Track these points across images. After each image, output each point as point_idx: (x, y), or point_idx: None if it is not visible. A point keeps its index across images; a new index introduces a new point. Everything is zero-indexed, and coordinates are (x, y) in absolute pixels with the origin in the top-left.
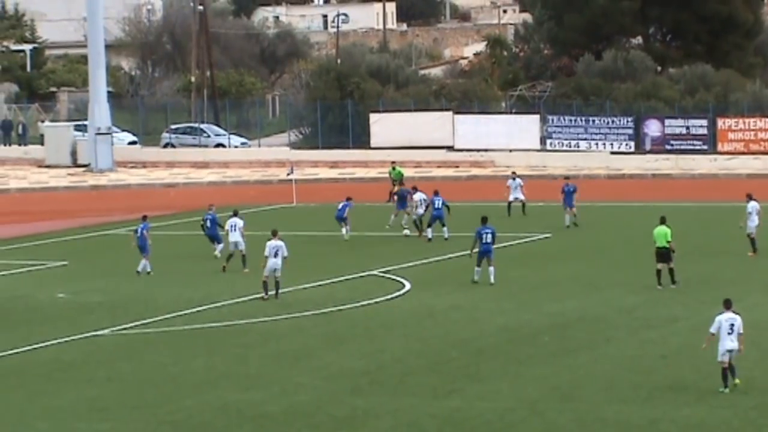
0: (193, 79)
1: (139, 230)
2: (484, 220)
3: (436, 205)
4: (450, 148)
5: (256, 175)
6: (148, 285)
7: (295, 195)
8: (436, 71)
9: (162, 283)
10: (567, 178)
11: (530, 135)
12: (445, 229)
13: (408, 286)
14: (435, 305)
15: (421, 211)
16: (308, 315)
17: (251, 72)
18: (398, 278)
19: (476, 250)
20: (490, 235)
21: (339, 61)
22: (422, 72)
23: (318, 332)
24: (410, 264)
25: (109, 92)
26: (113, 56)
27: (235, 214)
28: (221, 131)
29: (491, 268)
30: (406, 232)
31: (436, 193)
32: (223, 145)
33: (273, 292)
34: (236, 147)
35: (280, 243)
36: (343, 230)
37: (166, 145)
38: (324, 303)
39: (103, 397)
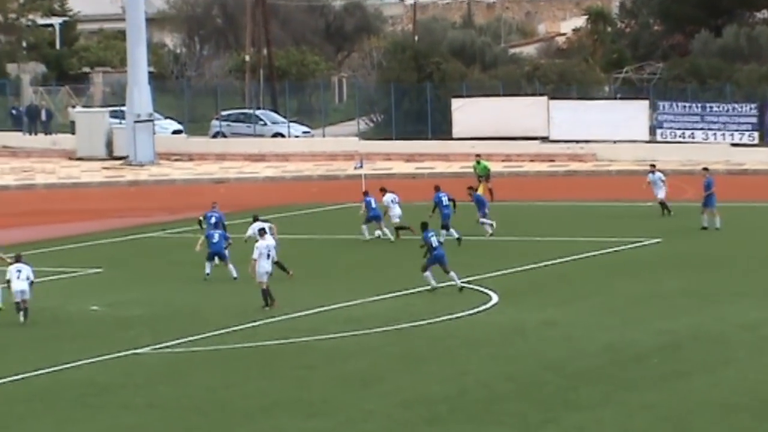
0: (247, 58)
1: (215, 235)
2: (425, 225)
3: (444, 203)
4: (544, 139)
5: (320, 170)
6: (195, 296)
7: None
8: (528, 50)
9: (211, 293)
10: (706, 169)
11: (637, 124)
12: (452, 231)
13: (495, 298)
14: (526, 321)
15: (397, 211)
16: (379, 331)
17: (315, 50)
18: (483, 289)
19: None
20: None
21: (416, 37)
22: (512, 51)
23: (391, 351)
24: (497, 273)
25: (150, 73)
26: (155, 31)
27: (257, 220)
28: (279, 118)
29: (452, 273)
30: (378, 233)
31: (437, 189)
32: (281, 135)
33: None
34: (297, 137)
35: (272, 242)
36: (380, 231)
37: (215, 135)
38: (397, 318)
39: (143, 425)
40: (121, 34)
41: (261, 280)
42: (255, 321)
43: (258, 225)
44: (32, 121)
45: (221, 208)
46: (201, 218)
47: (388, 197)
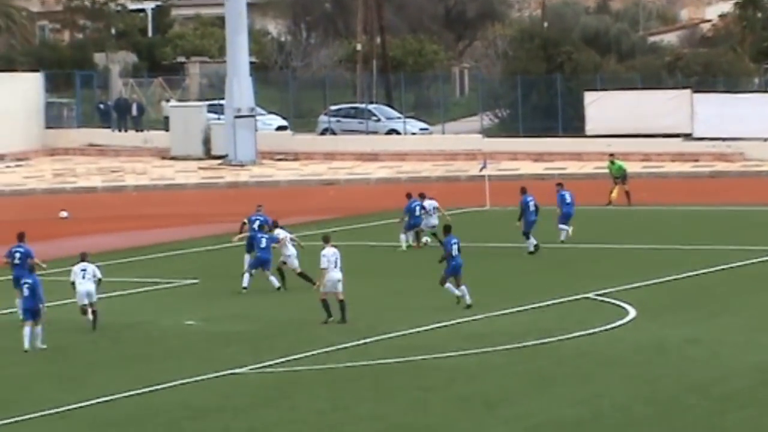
0: (358, 47)
1: (264, 240)
2: (448, 229)
3: (530, 208)
4: (687, 137)
5: (439, 171)
6: (300, 310)
7: (488, 196)
8: (669, 38)
9: (319, 307)
10: None
11: None
12: (531, 239)
13: (632, 312)
14: (667, 338)
15: (434, 221)
16: (504, 349)
17: (433, 38)
18: (619, 303)
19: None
20: (457, 246)
21: (545, 24)
22: (652, 39)
23: (517, 371)
24: (634, 285)
25: (251, 63)
26: (257, 18)
27: (277, 226)
28: (394, 114)
29: (463, 287)
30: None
31: (524, 191)
32: (396, 132)
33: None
34: (414, 134)
35: (334, 251)
36: (423, 239)
37: (324, 131)
38: (524, 334)
39: None
40: (220, 21)
41: (326, 291)
42: (366, 338)
43: (281, 232)
44: (122, 116)
45: (330, 212)
46: (245, 221)
47: (429, 204)
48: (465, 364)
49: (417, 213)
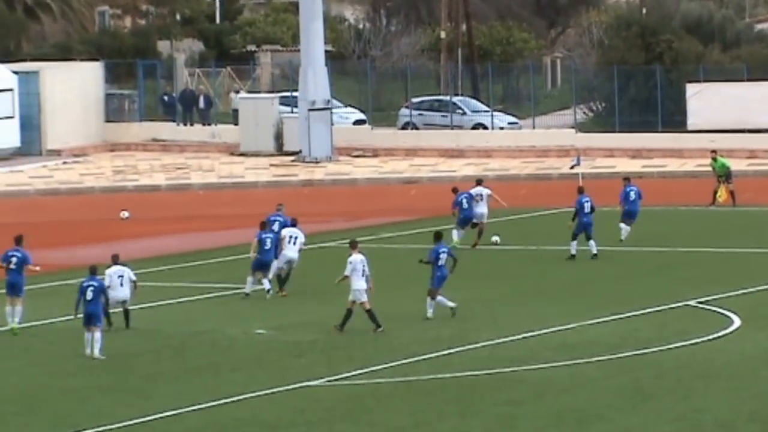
0: (443, 35)
1: (268, 240)
2: (438, 236)
3: (585, 209)
4: None
5: (529, 168)
6: (380, 318)
7: None
8: None
9: (398, 315)
10: None
11: None
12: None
13: (737, 321)
14: None
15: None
16: (598, 361)
17: (523, 26)
18: (723, 311)
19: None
20: (445, 256)
21: (644, 10)
22: (759, 26)
23: (612, 384)
24: (739, 291)
25: (327, 53)
26: (333, 3)
27: (294, 225)
28: (481, 107)
29: (439, 298)
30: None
31: (581, 191)
32: (483, 126)
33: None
34: (502, 129)
35: (360, 257)
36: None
37: (405, 126)
38: (620, 345)
39: None
40: (293, 7)
41: (352, 299)
42: (450, 348)
43: (290, 231)
44: (187, 109)
45: (411, 212)
46: (264, 222)
47: (477, 191)
48: (556, 377)
49: (465, 205)
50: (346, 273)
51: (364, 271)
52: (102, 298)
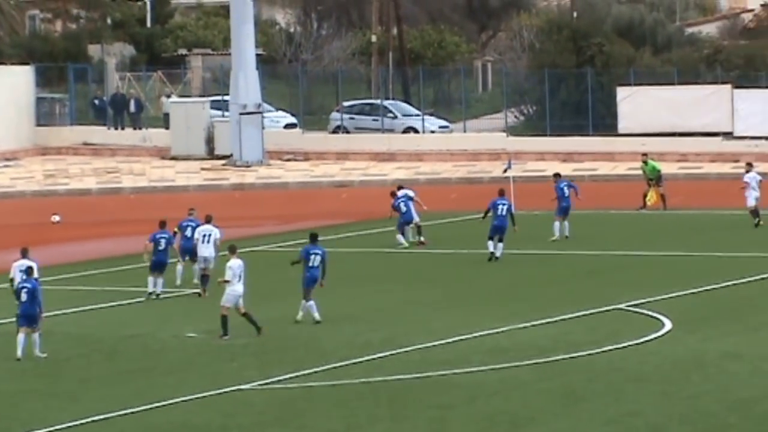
0: (374, 38)
1: (162, 240)
2: (314, 237)
3: (500, 212)
4: (728, 136)
5: (460, 172)
6: (310, 323)
7: (513, 199)
8: (708, 29)
9: (329, 319)
10: None
11: None
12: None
13: (668, 325)
14: (705, 352)
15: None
16: (530, 364)
17: (454, 29)
18: (654, 314)
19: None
20: (318, 257)
21: (575, 14)
22: (690, 30)
23: (544, 388)
24: (670, 295)
25: (258, 56)
26: (265, 7)
27: (209, 222)
28: (412, 110)
29: (311, 302)
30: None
31: (501, 194)
32: (414, 130)
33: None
34: (433, 132)
35: (239, 262)
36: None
37: (336, 129)
38: (552, 348)
39: None
40: (224, 10)
41: (227, 305)
42: (382, 352)
43: (203, 229)
44: (118, 113)
45: (342, 216)
46: (176, 229)
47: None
48: (488, 380)
49: (403, 208)
50: (227, 278)
51: (241, 276)
52: (38, 298)
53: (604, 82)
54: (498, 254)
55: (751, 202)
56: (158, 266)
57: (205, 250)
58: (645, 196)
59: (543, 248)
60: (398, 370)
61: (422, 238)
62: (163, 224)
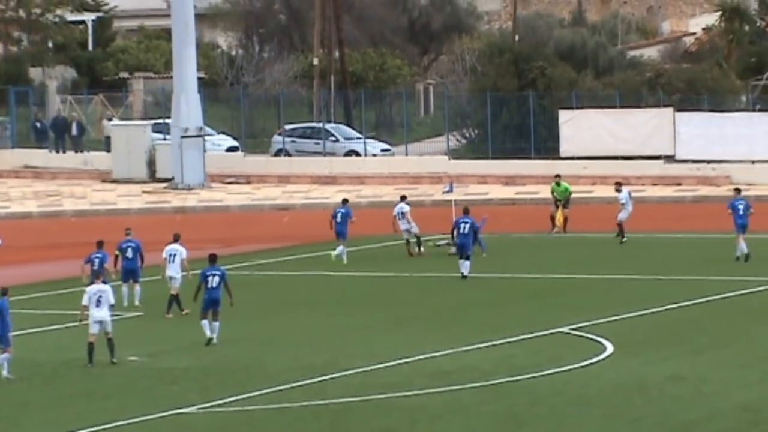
0: (315, 61)
1: (96, 260)
2: (213, 258)
3: (461, 230)
4: (669, 159)
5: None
6: (253, 345)
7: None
8: (650, 52)
9: (272, 341)
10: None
11: None
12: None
13: (610, 348)
14: (647, 375)
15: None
16: (472, 388)
17: (396, 52)
18: (596, 337)
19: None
20: (217, 278)
21: (517, 37)
22: (631, 53)
23: (486, 411)
24: (612, 318)
25: (200, 80)
26: (206, 30)
27: (176, 241)
28: (354, 134)
29: (216, 324)
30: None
31: (466, 212)
32: (356, 153)
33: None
34: (375, 155)
35: (105, 287)
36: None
37: (278, 153)
38: (494, 371)
39: None
40: (166, 33)
41: (94, 332)
42: (324, 375)
43: (174, 248)
44: (60, 136)
45: (284, 239)
46: (117, 252)
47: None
48: (430, 404)
49: (338, 219)
50: (83, 302)
51: (100, 300)
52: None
53: (546, 105)
54: (465, 272)
55: (623, 216)
56: (127, 273)
57: (170, 270)
58: (553, 218)
59: (485, 271)
60: (340, 393)
61: (422, 249)
62: (100, 244)
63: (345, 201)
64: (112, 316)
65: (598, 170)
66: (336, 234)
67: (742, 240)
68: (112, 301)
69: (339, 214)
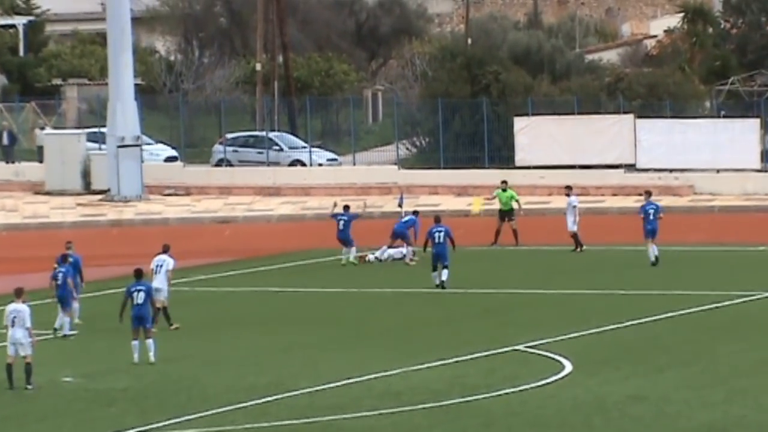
0: (258, 66)
1: (59, 275)
2: (138, 273)
3: (435, 239)
4: (630, 168)
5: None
6: (194, 365)
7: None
8: (609, 56)
9: (213, 361)
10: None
11: (747, 148)
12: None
13: (568, 366)
14: (607, 394)
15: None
16: (424, 408)
17: (343, 57)
18: (553, 355)
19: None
20: (143, 294)
21: (469, 41)
22: (590, 57)
23: None
24: (570, 335)
25: (137, 86)
26: (143, 34)
27: (165, 251)
28: (299, 143)
29: (149, 341)
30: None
31: (437, 221)
32: (301, 163)
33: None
34: (321, 165)
35: (21, 307)
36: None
37: (219, 162)
38: (446, 391)
39: None
40: (101, 38)
41: (12, 354)
42: (267, 396)
43: (162, 258)
44: None
45: (226, 254)
46: (65, 255)
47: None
48: (379, 426)
49: (341, 227)
50: (5, 323)
51: (14, 322)
52: None
53: (500, 112)
54: (444, 279)
55: (574, 225)
56: (61, 302)
57: (156, 281)
58: (498, 232)
59: (432, 287)
60: (285, 415)
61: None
62: (64, 258)
63: (346, 207)
64: (43, 336)
65: (555, 180)
66: (341, 242)
67: (651, 245)
68: (28, 324)
69: (341, 222)
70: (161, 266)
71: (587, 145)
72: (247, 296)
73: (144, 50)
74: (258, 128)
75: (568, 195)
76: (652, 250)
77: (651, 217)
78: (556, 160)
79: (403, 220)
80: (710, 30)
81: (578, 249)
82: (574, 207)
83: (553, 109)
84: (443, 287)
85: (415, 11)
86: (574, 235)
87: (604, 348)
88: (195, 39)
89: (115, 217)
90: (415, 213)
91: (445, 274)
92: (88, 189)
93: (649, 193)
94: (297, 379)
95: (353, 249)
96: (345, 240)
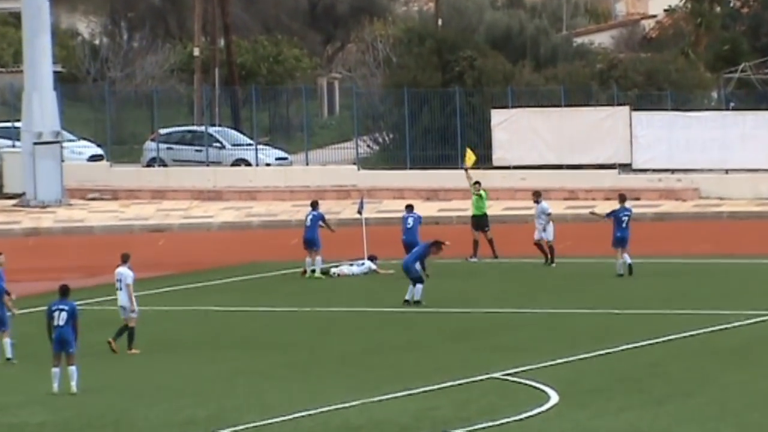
0: (196, 52)
1: None
2: (63, 290)
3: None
4: (625, 168)
5: (301, 213)
6: (121, 396)
7: (366, 245)
8: (601, 39)
9: (145, 391)
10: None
11: (759, 145)
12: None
13: (554, 397)
14: (598, 429)
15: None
16: None
17: (294, 41)
18: (537, 384)
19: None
20: (65, 314)
21: (440, 22)
22: (579, 40)
23: None
24: (556, 361)
25: (57, 74)
26: (64, 14)
27: (124, 262)
28: (243, 139)
29: (71, 368)
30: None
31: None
32: (246, 163)
33: None
34: (268, 165)
35: (125, 271)
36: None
37: (151, 162)
38: (413, 426)
39: None
40: (15, 19)
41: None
42: (207, 430)
43: (123, 272)
44: None
45: (159, 267)
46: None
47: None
48: None
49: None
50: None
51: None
52: None
53: (476, 103)
54: (417, 297)
55: (546, 235)
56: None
57: (120, 298)
58: (476, 243)
59: (402, 306)
60: None
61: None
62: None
63: (314, 204)
64: None
65: (538, 182)
66: (305, 244)
67: (621, 254)
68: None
69: (309, 218)
70: (120, 281)
71: (576, 142)
72: (184, 316)
73: (64, 33)
74: (196, 122)
75: (537, 202)
76: (624, 259)
77: (624, 224)
78: (539, 160)
79: (408, 226)
80: (718, 9)
81: (549, 261)
82: (548, 214)
83: (537, 100)
84: (416, 303)
85: None
86: (539, 244)
87: (594, 376)
88: (123, 20)
89: (32, 225)
90: (409, 207)
91: (418, 292)
92: (0, 193)
93: (623, 198)
94: (241, 411)
95: (319, 258)
96: (311, 240)
